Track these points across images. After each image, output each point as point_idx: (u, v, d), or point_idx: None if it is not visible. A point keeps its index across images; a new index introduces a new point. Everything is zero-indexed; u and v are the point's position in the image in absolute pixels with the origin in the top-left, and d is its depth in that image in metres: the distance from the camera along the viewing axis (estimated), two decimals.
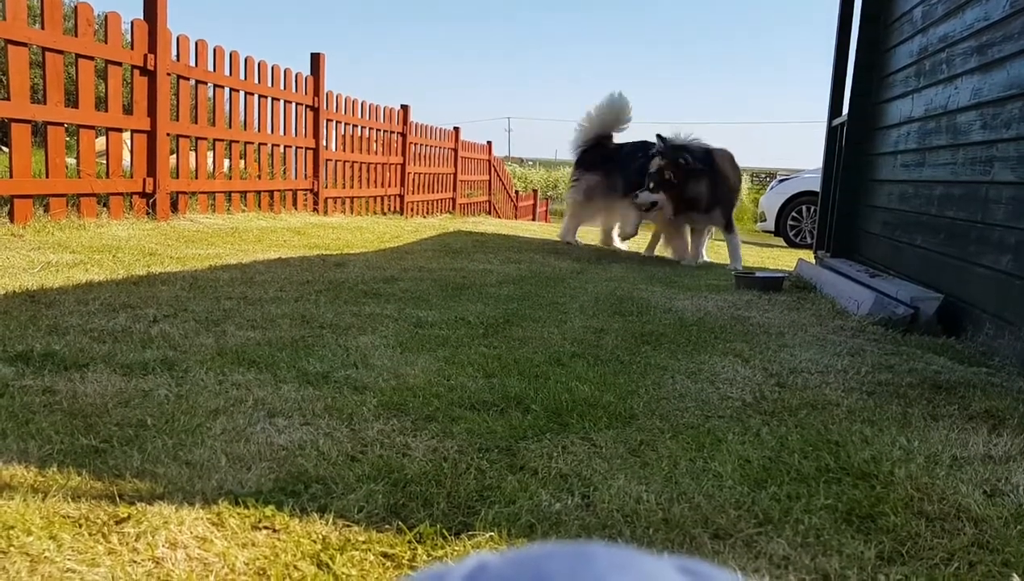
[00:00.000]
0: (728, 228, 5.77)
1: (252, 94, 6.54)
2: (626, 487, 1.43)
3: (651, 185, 5.47)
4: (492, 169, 13.82)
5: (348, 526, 1.25)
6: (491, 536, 1.24)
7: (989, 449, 1.72)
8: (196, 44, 5.81)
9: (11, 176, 4.36)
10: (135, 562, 1.12)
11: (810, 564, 1.20)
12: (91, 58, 4.88)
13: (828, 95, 5.40)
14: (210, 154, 6.12)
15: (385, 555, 1.18)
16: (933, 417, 1.96)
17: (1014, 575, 1.18)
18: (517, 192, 16.46)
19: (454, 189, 11.66)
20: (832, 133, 5.39)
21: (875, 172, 4.74)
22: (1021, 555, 1.24)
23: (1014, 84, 2.97)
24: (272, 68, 6.76)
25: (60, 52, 4.61)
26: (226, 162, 6.42)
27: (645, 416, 1.85)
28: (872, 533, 1.30)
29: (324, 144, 7.69)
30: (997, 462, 1.64)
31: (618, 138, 6.48)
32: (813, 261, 5.38)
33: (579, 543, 0.37)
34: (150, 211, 5.34)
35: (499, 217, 12.92)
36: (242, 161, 6.65)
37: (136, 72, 5.25)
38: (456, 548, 1.20)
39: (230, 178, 6.42)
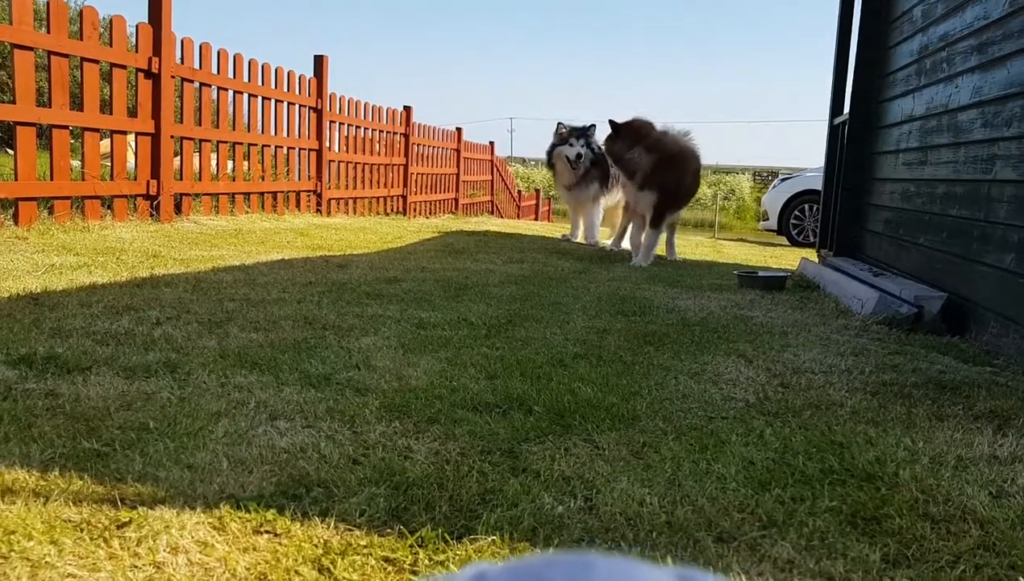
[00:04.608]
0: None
1: (255, 96, 6.54)
2: (629, 490, 1.43)
3: None
4: (495, 169, 13.82)
5: (349, 530, 1.24)
6: (493, 540, 1.24)
7: (995, 449, 1.71)
8: (200, 47, 5.82)
9: (16, 178, 4.37)
10: (136, 567, 1.12)
11: (815, 567, 1.20)
12: (96, 61, 4.89)
13: (829, 93, 5.39)
14: (214, 156, 6.13)
15: (386, 559, 1.17)
16: (938, 417, 1.95)
17: (1021, 578, 1.17)
18: (520, 192, 16.45)
19: (457, 189, 11.66)
20: (834, 131, 5.38)
21: (877, 171, 4.73)
22: None
23: (1015, 82, 2.96)
24: (275, 70, 6.77)
25: (65, 55, 4.62)
26: (230, 164, 6.43)
27: (648, 417, 1.84)
28: (877, 536, 1.30)
29: (327, 145, 7.70)
30: (1003, 463, 1.63)
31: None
32: (816, 260, 5.37)
33: (579, 553, 0.37)
34: (154, 213, 5.34)
35: (502, 217, 12.91)
36: (245, 163, 6.66)
37: (141, 75, 5.26)
38: (458, 552, 1.20)
39: (234, 180, 6.43)
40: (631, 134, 5.31)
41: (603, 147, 5.68)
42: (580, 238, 6.83)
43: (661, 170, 5.21)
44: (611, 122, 5.39)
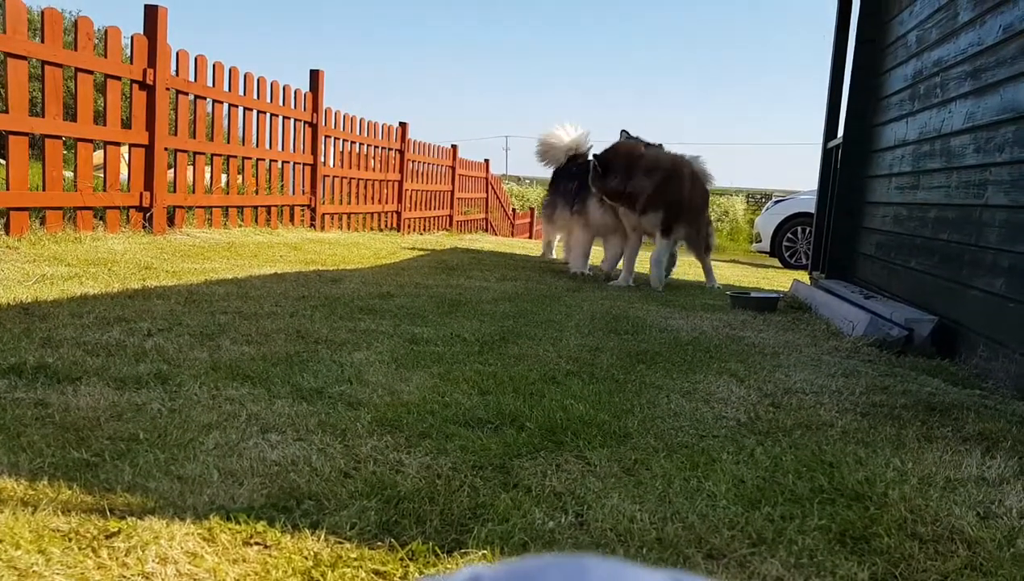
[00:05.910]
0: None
1: (251, 109, 6.56)
2: (620, 506, 1.43)
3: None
4: (489, 187, 13.86)
5: (340, 543, 1.24)
6: (484, 554, 1.23)
7: (983, 471, 1.72)
8: (196, 59, 5.84)
9: (8, 188, 4.36)
10: (124, 577, 1.11)
11: None
12: (90, 72, 4.89)
13: (823, 117, 5.44)
14: (208, 169, 6.14)
15: (377, 572, 1.17)
16: (927, 439, 1.96)
17: None
18: (514, 210, 16.51)
19: (451, 206, 11.69)
20: (827, 155, 5.42)
21: (870, 194, 4.77)
22: (1014, 578, 1.24)
23: (1007, 108, 2.99)
24: (271, 84, 6.79)
25: (59, 66, 4.63)
26: (224, 177, 6.44)
27: (639, 435, 1.85)
28: (866, 555, 1.30)
29: (322, 160, 7.71)
30: (991, 484, 1.64)
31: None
32: (808, 282, 5.40)
33: (573, 556, 0.37)
34: (146, 225, 5.34)
35: (496, 235, 12.94)
36: (240, 176, 6.66)
37: (135, 86, 5.27)
38: (448, 565, 1.20)
39: (227, 193, 6.43)
40: (622, 161, 4.87)
41: (593, 187, 5.03)
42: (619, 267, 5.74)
43: (663, 190, 4.86)
44: (596, 157, 4.87)
